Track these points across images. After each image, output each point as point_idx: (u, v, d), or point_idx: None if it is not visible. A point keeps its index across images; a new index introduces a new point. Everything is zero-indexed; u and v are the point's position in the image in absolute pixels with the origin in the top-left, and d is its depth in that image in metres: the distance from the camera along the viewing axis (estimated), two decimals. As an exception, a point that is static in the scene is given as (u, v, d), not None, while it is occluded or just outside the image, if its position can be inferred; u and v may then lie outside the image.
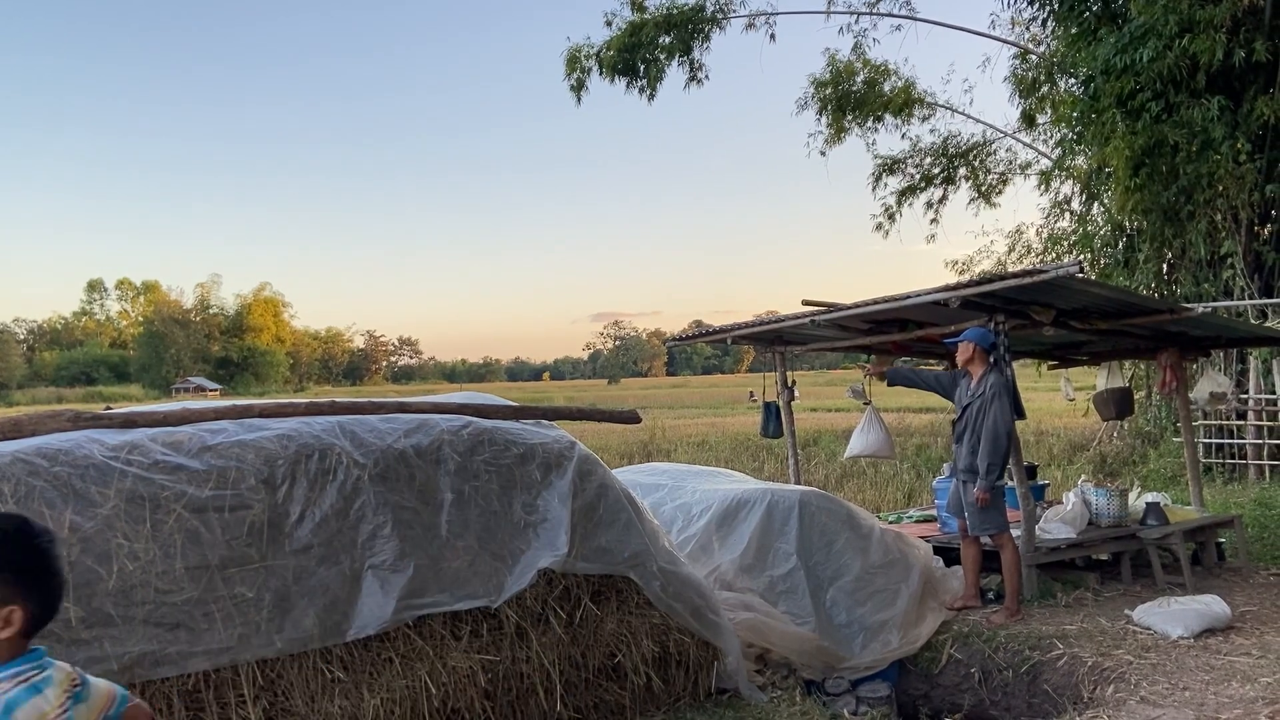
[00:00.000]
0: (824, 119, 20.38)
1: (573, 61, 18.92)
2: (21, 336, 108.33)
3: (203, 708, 3.40)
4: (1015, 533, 6.25)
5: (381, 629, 3.79)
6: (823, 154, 21.06)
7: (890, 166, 21.09)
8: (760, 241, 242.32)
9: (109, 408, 4.20)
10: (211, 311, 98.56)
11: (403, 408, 4.41)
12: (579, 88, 19.29)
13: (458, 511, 4.14)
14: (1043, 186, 18.17)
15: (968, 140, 20.65)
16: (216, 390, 79.44)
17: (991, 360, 6.17)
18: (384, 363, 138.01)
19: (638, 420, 5.47)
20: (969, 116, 20.46)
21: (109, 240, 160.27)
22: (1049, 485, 9.91)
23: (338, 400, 4.34)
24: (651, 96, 19.26)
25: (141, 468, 3.47)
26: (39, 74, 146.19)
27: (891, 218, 21.54)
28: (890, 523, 7.85)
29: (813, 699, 4.86)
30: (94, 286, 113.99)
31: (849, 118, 20.14)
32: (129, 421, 3.68)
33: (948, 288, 6.18)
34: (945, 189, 21.27)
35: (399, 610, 3.83)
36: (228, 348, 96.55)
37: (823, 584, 5.74)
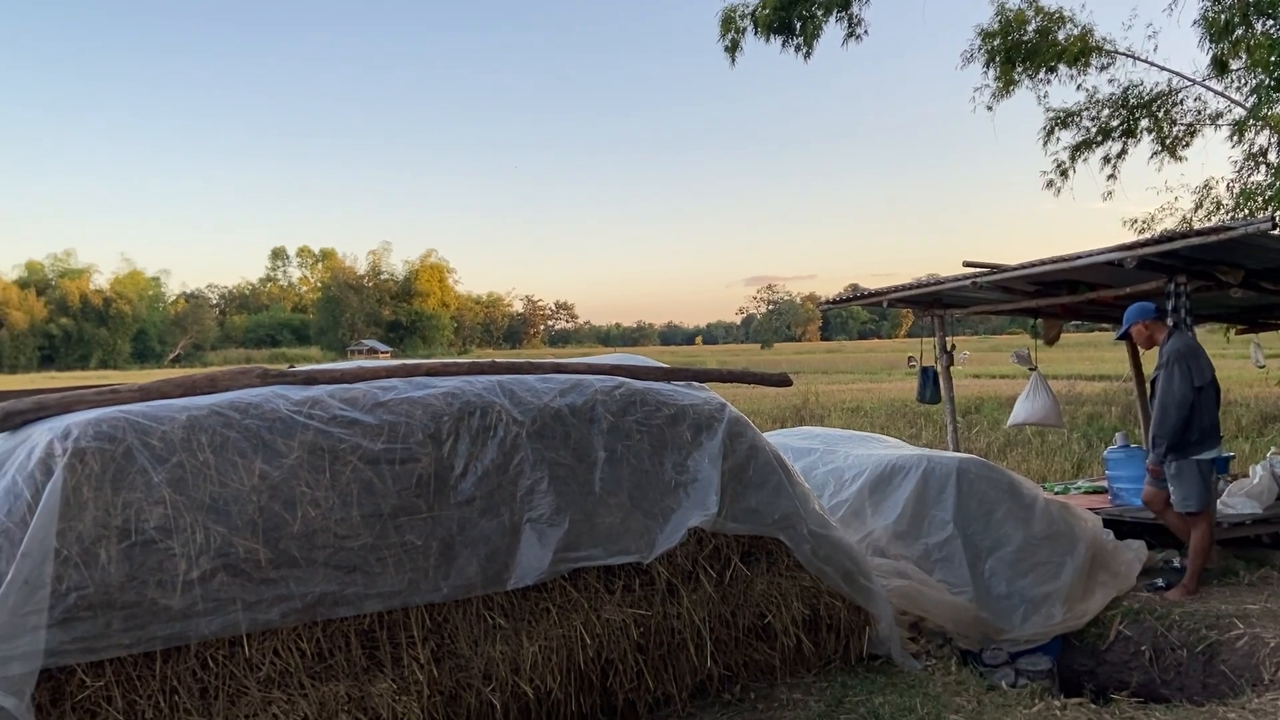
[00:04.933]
0: (991, 71, 19.33)
1: (727, 22, 18.63)
2: (214, 301, 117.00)
3: (377, 646, 3.64)
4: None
5: (539, 580, 3.94)
6: (989, 108, 20.00)
7: (1064, 120, 19.84)
8: (920, 203, 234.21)
9: (293, 366, 4.51)
10: (383, 277, 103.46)
11: (558, 368, 4.54)
12: (733, 48, 18.98)
13: (610, 469, 4.25)
14: (1235, 138, 16.73)
15: (1151, 90, 19.17)
16: (387, 352, 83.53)
17: (1171, 325, 5.80)
18: (541, 327, 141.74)
19: (789, 383, 5.44)
20: (1152, 64, 18.98)
21: (291, 210, 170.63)
22: (1234, 457, 9.25)
23: (498, 360, 4.51)
24: (808, 55, 18.75)
25: (321, 422, 3.72)
26: (220, 45, 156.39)
27: (1064, 174, 20.30)
28: (1056, 493, 7.52)
29: (969, 669, 4.75)
30: (277, 254, 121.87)
31: (1019, 69, 19.04)
32: (310, 379, 3.95)
33: (1123, 247, 5.83)
34: (1125, 143, 19.85)
35: (555, 562, 3.97)
36: (397, 312, 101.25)
37: (981, 554, 5.57)
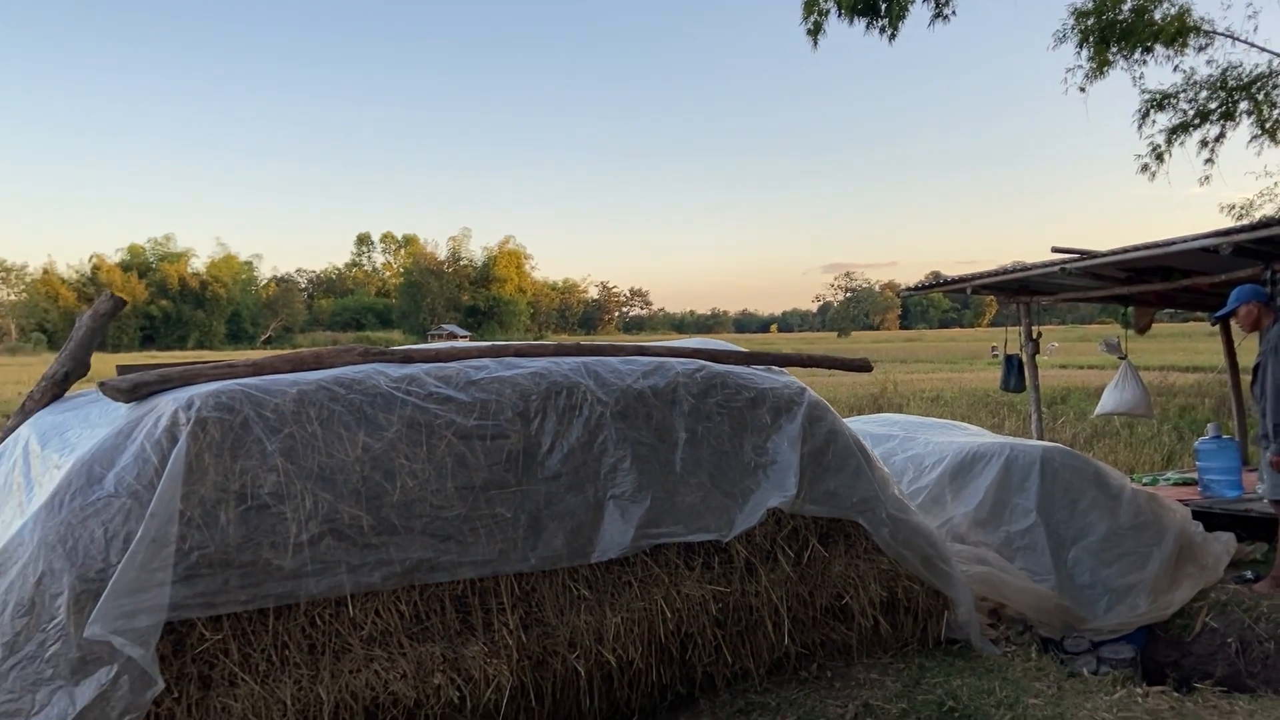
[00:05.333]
0: (1085, 52, 18.79)
1: (810, 4, 18.43)
2: (303, 285, 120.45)
3: (470, 611, 3.82)
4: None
5: (622, 554, 4.08)
6: (1082, 90, 19.44)
7: (1159, 102, 19.22)
8: (1006, 189, 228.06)
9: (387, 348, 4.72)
10: (462, 263, 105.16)
11: (641, 350, 4.67)
12: (816, 31, 18.76)
13: (691, 450, 4.36)
14: (1344, 120, 15.99)
15: (1250, 71, 18.42)
16: (466, 336, 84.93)
17: (1276, 311, 5.65)
18: (616, 313, 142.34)
19: (868, 368, 5.47)
20: (1252, 45, 18.23)
21: (375, 196, 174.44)
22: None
23: (583, 343, 4.66)
24: (893, 36, 18.43)
25: (418, 398, 3.90)
26: (309, 34, 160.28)
27: (1159, 158, 19.68)
28: (1144, 485, 7.39)
29: (1049, 656, 4.75)
30: (362, 240, 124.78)
31: (1113, 49, 18.47)
32: (407, 357, 4.14)
33: (1219, 233, 5.70)
34: (1223, 126, 19.15)
35: (637, 538, 4.10)
36: (476, 297, 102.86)
37: (1064, 543, 5.54)
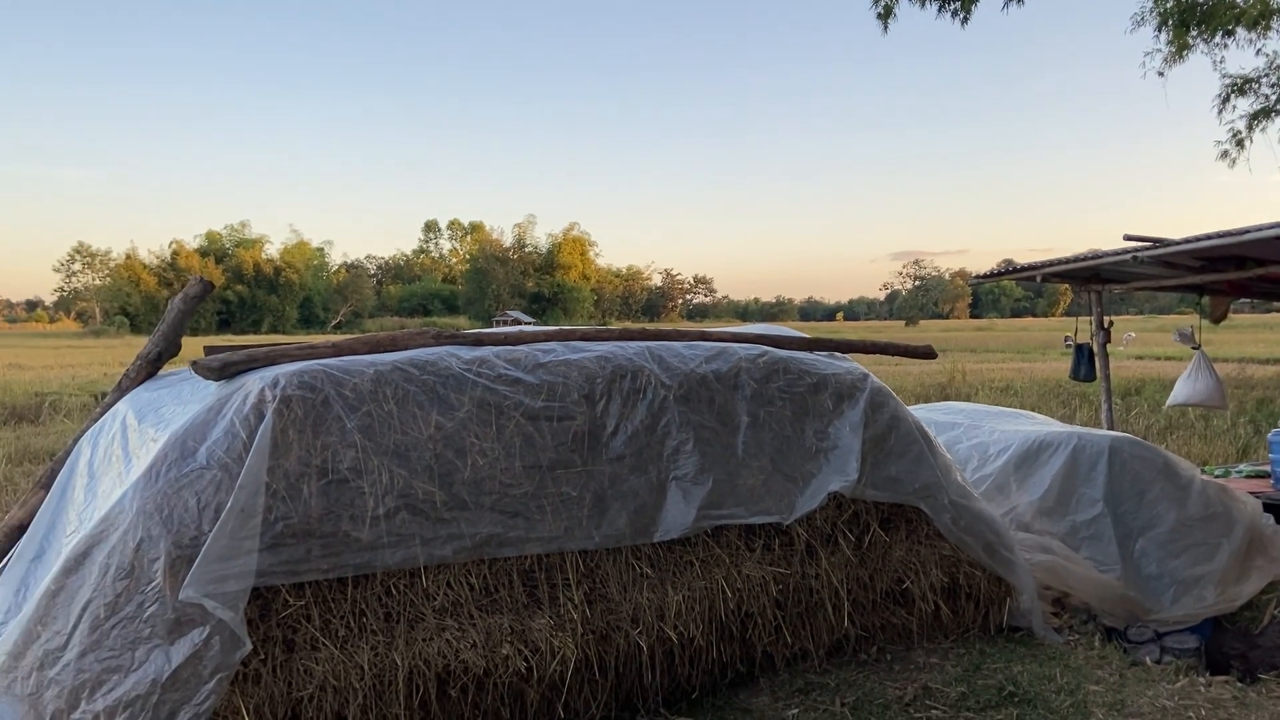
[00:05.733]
0: (1163, 35, 18.25)
1: (880, -13, 18.20)
2: (372, 271, 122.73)
3: (536, 586, 3.95)
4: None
5: (683, 534, 4.18)
6: (1160, 74, 18.90)
7: (1241, 86, 18.58)
8: (1080, 175, 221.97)
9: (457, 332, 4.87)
10: (527, 250, 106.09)
11: (704, 336, 4.75)
12: (886, 15, 18.52)
13: (753, 434, 4.43)
14: None
15: (1337, 56, 17.72)
16: (531, 322, 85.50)
17: None
18: (679, 300, 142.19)
19: (932, 355, 5.47)
20: (1339, 28, 17.51)
21: (443, 183, 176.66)
22: None
23: (647, 328, 4.76)
24: (965, 20, 18.13)
25: (489, 379, 4.04)
26: (379, 26, 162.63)
27: (1240, 145, 19.05)
28: (1215, 477, 7.24)
29: (1113, 645, 4.73)
30: (430, 227, 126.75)
31: (1193, 33, 17.92)
32: (478, 340, 4.28)
33: (1296, 220, 5.56)
34: (1307, 112, 18.45)
35: (698, 519, 4.19)
36: (540, 284, 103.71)
37: (1131, 533, 5.49)
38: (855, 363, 4.98)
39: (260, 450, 3.38)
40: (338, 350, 3.93)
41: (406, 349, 4.12)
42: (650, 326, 4.83)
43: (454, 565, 3.75)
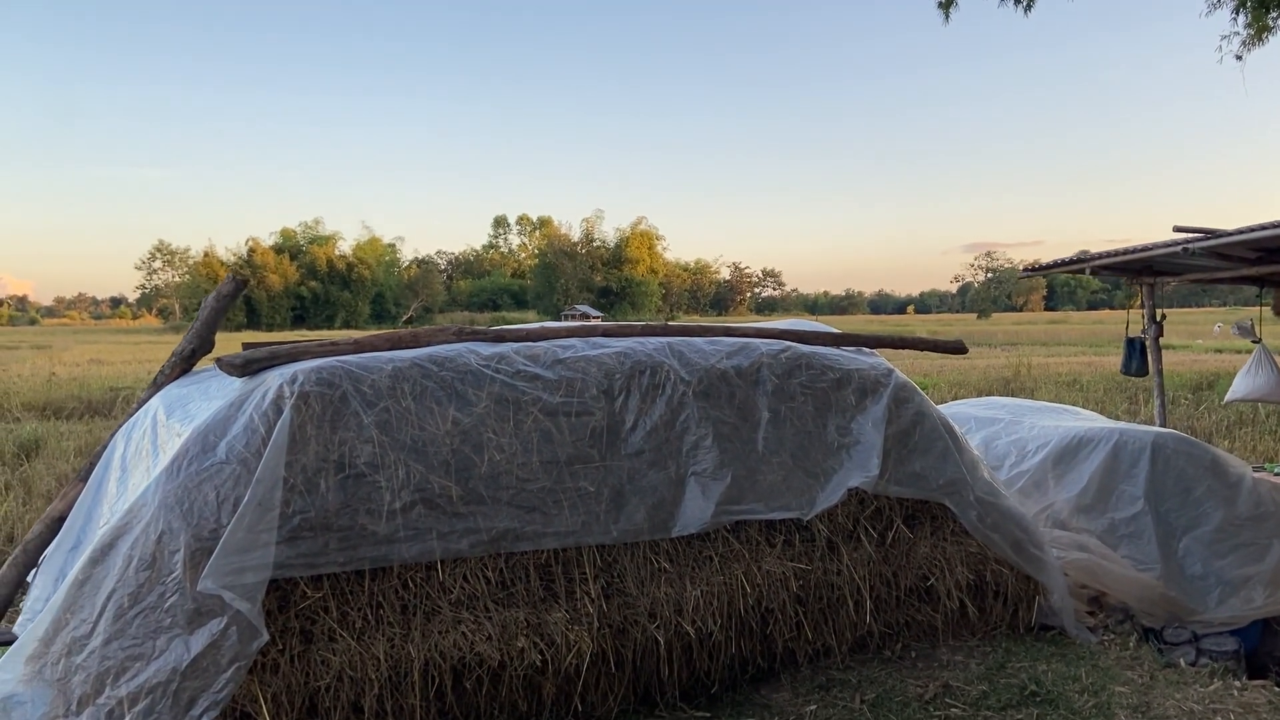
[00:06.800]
0: (1241, 17, 17.55)
1: (940, -24, 17.85)
2: (442, 267, 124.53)
3: (553, 580, 4.00)
4: None
5: (702, 529, 4.19)
6: (1239, 58, 18.18)
7: (1326, 66, 17.78)
8: (1160, 164, 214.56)
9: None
10: (595, 244, 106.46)
11: (728, 331, 4.74)
12: (948, 5, 18.14)
13: (773, 429, 4.42)
14: None
15: None
16: (599, 316, 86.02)
17: None
18: (748, 294, 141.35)
19: (963, 350, 5.37)
20: None
21: (512, 179, 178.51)
22: None
23: (669, 324, 4.77)
24: (1029, 7, 17.71)
25: (507, 375, 4.10)
26: (454, 26, 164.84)
27: (1325, 126, 18.24)
28: (1277, 474, 6.98)
29: (1148, 646, 4.61)
30: (499, 222, 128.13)
31: (1273, 13, 17.18)
32: (499, 336, 4.35)
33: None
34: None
35: (717, 514, 4.20)
36: (608, 278, 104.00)
37: (1174, 532, 5.34)
38: (881, 358, 4.93)
39: (278, 445, 3.49)
40: (359, 347, 4.02)
41: (428, 346, 4.20)
42: (673, 324, 4.88)
43: (470, 559, 3.82)
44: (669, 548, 4.21)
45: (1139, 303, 8.51)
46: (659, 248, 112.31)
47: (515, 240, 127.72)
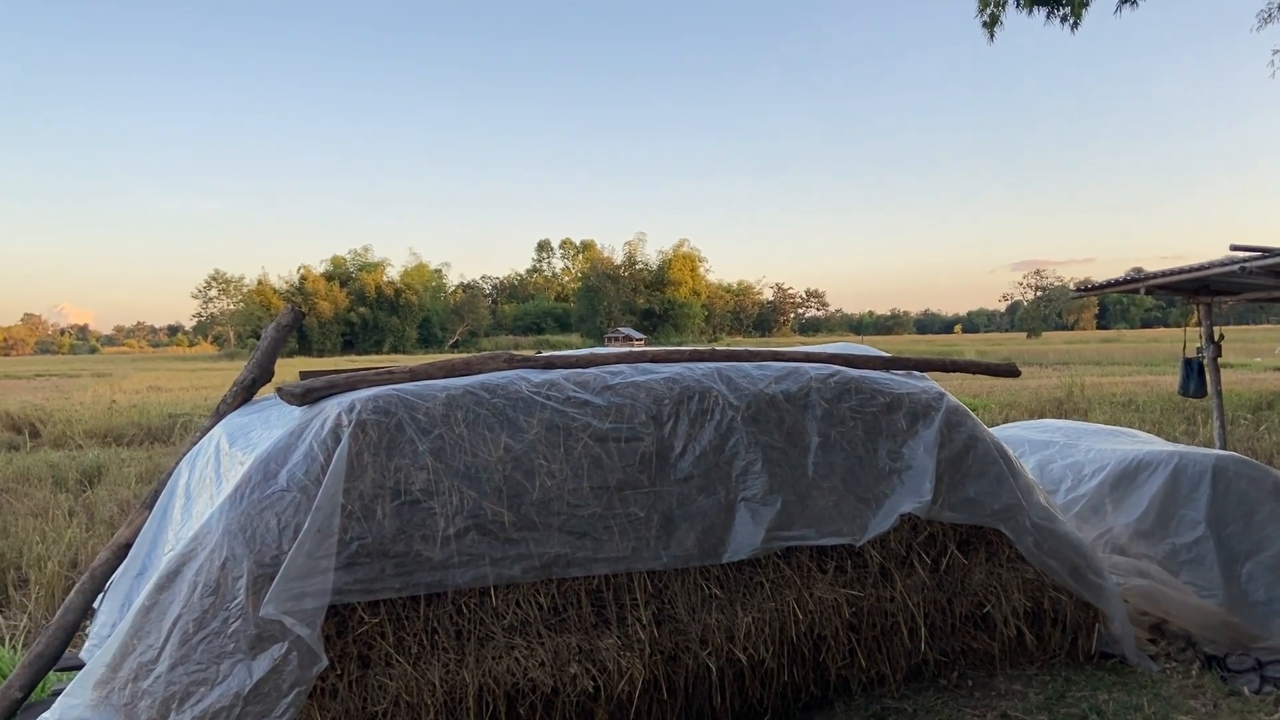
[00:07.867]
0: (1293, 29, 17.25)
1: (985, -4, 17.76)
2: (487, 291, 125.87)
3: (604, 606, 4.02)
4: None
5: (752, 555, 4.18)
6: (1291, 72, 17.86)
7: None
8: (1219, 179, 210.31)
9: (539, 352, 5.00)
10: (638, 267, 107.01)
11: (776, 356, 4.75)
12: (993, 23, 18.02)
13: (823, 454, 4.40)
14: None
15: None
16: (641, 339, 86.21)
17: None
18: (791, 315, 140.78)
19: (1015, 373, 5.31)
20: None
21: (556, 203, 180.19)
22: None
23: (717, 348, 4.78)
24: (1075, 25, 17.52)
25: (558, 402, 4.14)
26: (503, 62, 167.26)
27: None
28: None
29: (1211, 674, 4.49)
30: (543, 246, 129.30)
31: (1327, 25, 16.85)
32: (549, 363, 4.40)
33: None
34: None
35: (768, 540, 4.19)
36: (651, 300, 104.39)
37: (1237, 557, 5.20)
38: (932, 381, 4.90)
39: (336, 473, 3.56)
40: (414, 375, 4.09)
41: (481, 373, 4.26)
42: (721, 348, 4.89)
43: (523, 585, 3.85)
44: (719, 574, 4.21)
45: (1195, 320, 8.35)
46: (701, 269, 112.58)
47: (559, 264, 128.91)
